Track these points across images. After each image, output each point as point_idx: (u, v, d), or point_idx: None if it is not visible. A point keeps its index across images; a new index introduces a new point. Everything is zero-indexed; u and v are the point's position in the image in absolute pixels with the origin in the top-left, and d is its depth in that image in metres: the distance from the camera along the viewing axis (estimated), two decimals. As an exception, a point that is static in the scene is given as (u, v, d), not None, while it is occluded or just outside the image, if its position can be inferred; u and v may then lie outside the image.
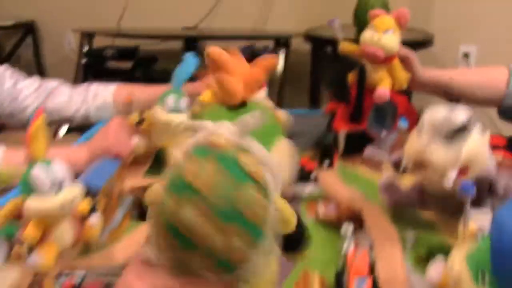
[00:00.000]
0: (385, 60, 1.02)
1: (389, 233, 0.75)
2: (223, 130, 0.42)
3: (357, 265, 0.60)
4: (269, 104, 0.90)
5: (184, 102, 0.91)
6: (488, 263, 0.43)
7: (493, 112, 2.29)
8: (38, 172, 0.59)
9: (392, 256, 0.69)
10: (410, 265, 0.70)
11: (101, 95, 1.23)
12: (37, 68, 3.16)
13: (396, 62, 1.05)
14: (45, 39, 3.20)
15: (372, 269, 0.62)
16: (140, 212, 0.82)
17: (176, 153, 0.44)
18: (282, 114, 0.89)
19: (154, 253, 0.42)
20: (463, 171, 0.70)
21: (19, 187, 0.61)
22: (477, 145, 0.69)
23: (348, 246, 0.67)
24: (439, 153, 0.70)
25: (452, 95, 1.14)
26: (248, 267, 0.40)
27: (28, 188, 0.59)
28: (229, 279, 0.41)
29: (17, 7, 3.07)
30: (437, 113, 0.71)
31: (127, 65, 2.60)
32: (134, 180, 0.93)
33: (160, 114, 0.90)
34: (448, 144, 0.69)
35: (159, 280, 0.42)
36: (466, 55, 2.53)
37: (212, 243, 0.38)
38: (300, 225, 0.53)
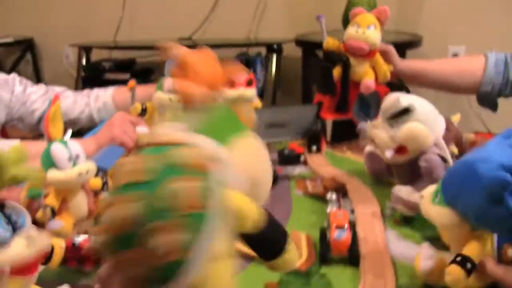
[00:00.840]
0: (369, 54, 1.12)
1: (369, 200, 0.84)
2: (169, 129, 0.42)
3: (339, 220, 0.68)
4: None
5: None
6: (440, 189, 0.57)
7: (480, 109, 2.36)
8: (57, 148, 0.67)
9: (371, 216, 0.77)
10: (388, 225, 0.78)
11: (101, 97, 1.32)
12: (37, 83, 3.23)
13: (378, 56, 1.14)
14: (43, 55, 3.29)
15: (351, 226, 0.70)
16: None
17: None
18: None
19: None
20: (401, 150, 0.80)
21: (41, 162, 0.69)
22: (414, 129, 0.78)
23: (332, 208, 0.75)
24: (381, 134, 0.82)
25: (430, 84, 1.23)
26: (188, 269, 0.36)
27: (49, 162, 0.68)
28: None
29: (16, 25, 3.16)
30: (387, 99, 0.82)
31: (124, 76, 2.69)
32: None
33: (161, 95, 1.01)
34: (390, 126, 0.81)
35: None
36: (455, 55, 2.61)
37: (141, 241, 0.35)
38: (276, 227, 0.48)
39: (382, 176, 0.92)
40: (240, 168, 0.43)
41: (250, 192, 0.44)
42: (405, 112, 0.79)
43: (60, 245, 0.60)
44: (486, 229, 0.56)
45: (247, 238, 0.43)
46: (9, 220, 0.51)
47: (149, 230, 0.34)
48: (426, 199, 0.58)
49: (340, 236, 0.66)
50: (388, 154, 0.81)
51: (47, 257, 0.58)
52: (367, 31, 1.08)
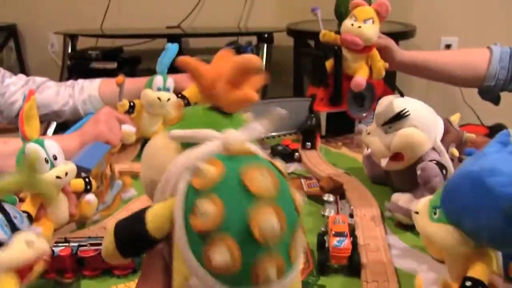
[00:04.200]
0: (364, 49, 1.05)
1: (369, 201, 0.79)
2: (237, 138, 0.37)
3: (338, 226, 0.64)
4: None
5: (170, 82, 0.97)
6: (439, 203, 0.51)
7: (473, 102, 2.34)
8: (33, 149, 0.62)
9: (371, 220, 0.73)
10: (389, 229, 0.74)
11: (87, 89, 1.26)
12: (21, 71, 3.16)
13: (375, 52, 1.07)
14: (27, 42, 3.19)
15: (351, 233, 0.66)
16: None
17: (156, 142, 0.41)
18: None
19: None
20: (397, 157, 0.76)
21: (16, 166, 0.64)
22: (409, 135, 0.74)
23: (330, 211, 0.71)
24: (376, 142, 0.78)
25: (431, 76, 1.19)
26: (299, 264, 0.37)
27: (24, 164, 0.62)
28: None
29: (-3, 11, 3.07)
30: (381, 103, 0.78)
31: (111, 65, 2.61)
32: (123, 165, 0.96)
33: (150, 93, 0.96)
34: (384, 133, 0.77)
35: None
36: (448, 47, 2.59)
37: (285, 241, 0.34)
38: None
39: (380, 180, 0.87)
40: None
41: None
42: (399, 117, 0.74)
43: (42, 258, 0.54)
44: (500, 249, 0.51)
45: None
46: (8, 220, 0.49)
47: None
48: (422, 215, 0.53)
49: (340, 244, 0.61)
50: (383, 162, 0.77)
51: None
52: (363, 25, 1.02)
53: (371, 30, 1.02)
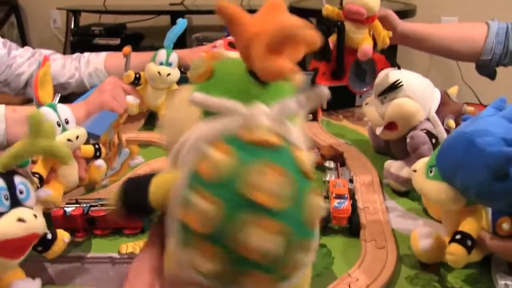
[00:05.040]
0: (367, 20, 1.08)
1: (368, 169, 0.82)
2: (264, 118, 0.33)
3: (338, 189, 0.67)
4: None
5: (174, 57, 0.98)
6: (434, 162, 0.54)
7: (472, 81, 2.35)
8: (46, 112, 0.64)
9: (370, 186, 0.76)
10: (387, 195, 0.77)
11: (93, 62, 1.27)
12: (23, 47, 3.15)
13: (377, 22, 1.10)
14: (29, 18, 3.19)
15: (351, 196, 0.69)
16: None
17: (179, 100, 0.38)
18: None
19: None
20: (391, 126, 0.80)
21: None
22: (402, 105, 0.77)
23: (331, 177, 0.73)
24: (371, 111, 0.82)
25: (431, 48, 1.21)
26: (301, 273, 0.33)
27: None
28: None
29: (-2, -13, 3.06)
30: (379, 76, 0.82)
31: (114, 42, 2.61)
32: (130, 134, 0.99)
33: (151, 67, 0.98)
34: (380, 103, 0.80)
35: None
36: (447, 27, 2.61)
37: (280, 262, 0.30)
38: None
39: (383, 150, 0.90)
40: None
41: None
42: (393, 87, 0.77)
43: (63, 238, 0.56)
44: (487, 204, 0.54)
45: None
46: (12, 193, 0.48)
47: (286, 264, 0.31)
48: (419, 174, 0.56)
49: (340, 206, 0.64)
50: (378, 130, 0.81)
51: (46, 245, 0.54)
52: None
53: (373, 0, 1.06)
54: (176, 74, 1.00)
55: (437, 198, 0.54)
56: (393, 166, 0.77)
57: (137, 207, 0.36)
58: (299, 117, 0.37)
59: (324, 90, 0.32)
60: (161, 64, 0.98)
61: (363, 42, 1.10)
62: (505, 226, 0.53)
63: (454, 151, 0.52)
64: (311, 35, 0.31)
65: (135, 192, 0.36)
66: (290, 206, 0.30)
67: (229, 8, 0.33)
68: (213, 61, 0.37)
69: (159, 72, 0.98)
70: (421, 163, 0.57)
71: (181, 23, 1.02)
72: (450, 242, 0.53)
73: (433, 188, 0.54)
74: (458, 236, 0.52)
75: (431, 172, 0.54)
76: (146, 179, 0.36)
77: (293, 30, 0.31)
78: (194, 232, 0.30)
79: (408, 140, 0.74)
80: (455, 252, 0.52)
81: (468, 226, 0.53)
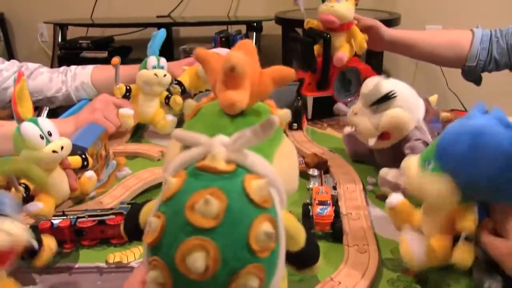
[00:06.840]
0: (342, 27, 1.13)
1: (351, 176, 0.84)
2: (220, 148, 0.35)
3: (321, 195, 0.68)
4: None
5: (164, 61, 1.02)
6: (432, 156, 0.53)
7: (457, 89, 2.39)
8: (27, 127, 0.65)
9: (354, 192, 0.77)
10: (370, 201, 0.78)
11: (79, 75, 1.28)
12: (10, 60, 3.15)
13: (354, 29, 1.15)
14: (16, 32, 3.19)
15: (334, 203, 0.70)
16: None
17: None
18: (283, 113, 0.77)
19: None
20: (384, 135, 0.81)
21: (13, 144, 0.67)
22: (396, 115, 0.78)
23: (314, 183, 0.75)
24: (364, 122, 0.82)
25: (418, 55, 1.24)
26: None
27: (21, 142, 0.65)
28: None
29: (-17, 0, 3.06)
30: (367, 84, 0.82)
31: (102, 55, 2.62)
32: (118, 146, 1.00)
33: (145, 72, 1.01)
34: (372, 113, 0.80)
35: None
36: (431, 35, 2.65)
37: (217, 282, 0.31)
38: (312, 242, 0.46)
39: (362, 158, 0.92)
40: (283, 181, 0.39)
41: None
42: (387, 98, 0.78)
43: (50, 245, 0.57)
44: (498, 198, 0.52)
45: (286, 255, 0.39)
46: None
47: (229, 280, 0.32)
48: (414, 169, 0.55)
49: (322, 212, 0.65)
50: (371, 142, 0.81)
51: (32, 253, 0.55)
52: (336, 4, 1.11)
53: (343, 7, 1.11)
54: (169, 76, 1.02)
55: (438, 190, 0.52)
56: (389, 174, 0.77)
57: (133, 232, 0.43)
58: (275, 144, 0.42)
59: (275, 119, 0.34)
60: (154, 67, 1.01)
61: (340, 49, 1.14)
62: (490, 225, 0.53)
63: (457, 144, 0.50)
64: (253, 68, 0.37)
65: (130, 219, 0.44)
66: (223, 227, 0.32)
67: (201, 52, 0.41)
68: (203, 103, 0.43)
69: (156, 74, 1.00)
70: (412, 160, 0.56)
71: (160, 33, 1.06)
72: (454, 241, 0.53)
73: (433, 180, 0.52)
74: (464, 234, 0.52)
75: (428, 165, 0.53)
76: (140, 206, 0.43)
77: (233, 65, 0.36)
78: (147, 246, 0.34)
79: (408, 151, 0.75)
80: (467, 251, 0.52)
81: (468, 224, 0.52)
